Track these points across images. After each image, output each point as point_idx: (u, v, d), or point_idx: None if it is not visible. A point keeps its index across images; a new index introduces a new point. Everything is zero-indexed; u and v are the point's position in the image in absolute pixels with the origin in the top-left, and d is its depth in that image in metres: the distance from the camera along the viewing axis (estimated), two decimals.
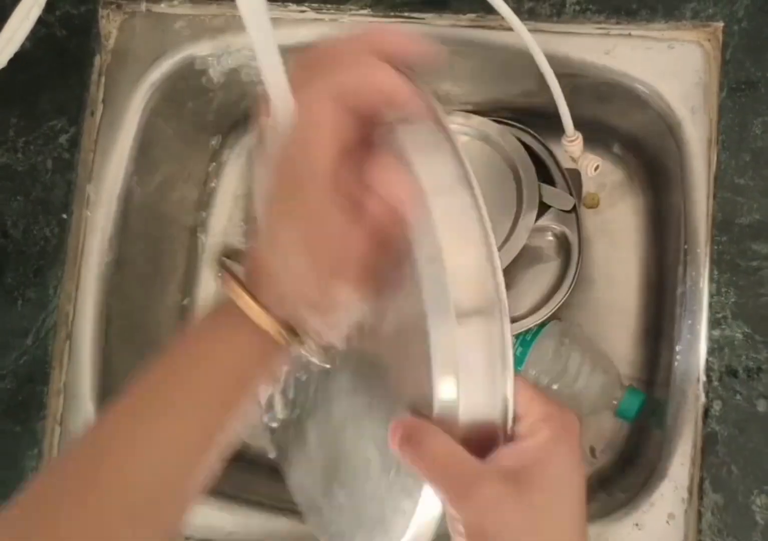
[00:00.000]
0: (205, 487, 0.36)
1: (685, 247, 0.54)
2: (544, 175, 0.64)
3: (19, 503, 0.33)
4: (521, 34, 0.50)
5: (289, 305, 0.36)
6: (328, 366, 0.40)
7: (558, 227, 0.63)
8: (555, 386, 0.58)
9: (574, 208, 0.62)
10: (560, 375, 0.58)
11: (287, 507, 0.57)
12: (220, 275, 0.37)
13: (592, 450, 0.63)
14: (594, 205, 0.67)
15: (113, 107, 0.60)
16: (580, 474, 0.33)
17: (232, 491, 0.58)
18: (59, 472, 0.35)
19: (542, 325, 0.60)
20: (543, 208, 0.63)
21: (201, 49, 0.61)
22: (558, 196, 0.62)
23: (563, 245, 0.64)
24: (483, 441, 0.32)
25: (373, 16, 0.59)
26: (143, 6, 0.61)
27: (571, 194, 0.62)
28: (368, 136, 0.34)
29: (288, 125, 0.33)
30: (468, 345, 0.32)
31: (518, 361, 0.60)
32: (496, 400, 0.32)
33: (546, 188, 0.62)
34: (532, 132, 0.65)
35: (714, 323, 0.53)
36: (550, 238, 0.65)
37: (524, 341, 0.60)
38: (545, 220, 0.63)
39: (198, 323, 0.39)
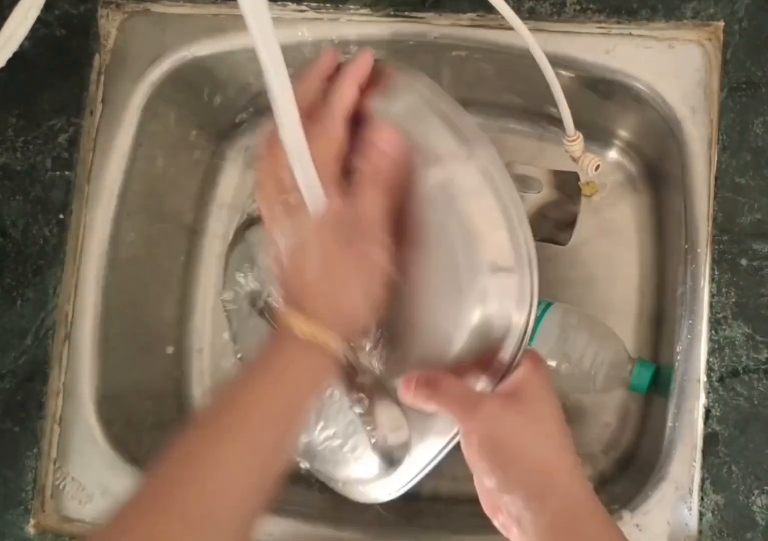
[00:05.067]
0: (272, 498, 0.39)
1: (686, 247, 0.54)
2: None
3: (117, 511, 0.37)
4: (521, 33, 0.49)
5: (344, 322, 0.42)
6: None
7: None
8: (565, 367, 0.58)
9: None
10: (569, 355, 0.58)
11: (288, 507, 0.57)
12: (269, 315, 0.43)
13: (591, 460, 0.63)
14: (593, 192, 0.67)
15: (112, 107, 0.60)
16: (553, 392, 0.43)
17: None
18: (154, 480, 0.38)
19: (545, 307, 0.60)
20: None
21: (200, 49, 0.61)
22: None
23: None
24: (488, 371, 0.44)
25: (372, 15, 0.59)
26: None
27: None
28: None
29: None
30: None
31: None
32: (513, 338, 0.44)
33: None
34: None
35: (715, 323, 0.53)
36: None
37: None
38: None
39: (266, 349, 0.42)
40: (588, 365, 0.58)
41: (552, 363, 0.58)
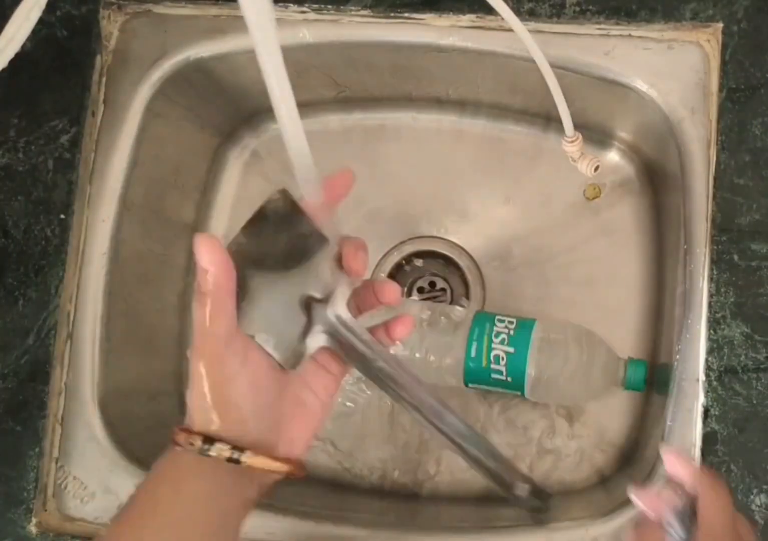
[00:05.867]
0: None
1: (685, 247, 0.54)
2: None
3: None
4: (521, 34, 0.50)
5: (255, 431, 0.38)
6: None
7: None
8: (560, 381, 0.58)
9: None
10: (562, 369, 0.58)
11: (288, 507, 0.57)
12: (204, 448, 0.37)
13: (590, 459, 0.63)
14: (595, 195, 0.67)
15: (114, 107, 0.61)
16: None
17: None
18: None
19: (530, 327, 0.60)
20: None
21: (202, 50, 0.61)
22: None
23: None
24: None
25: (373, 16, 0.59)
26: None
27: None
28: None
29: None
30: None
31: (522, 359, 0.59)
32: None
33: None
34: None
35: (713, 322, 0.53)
36: None
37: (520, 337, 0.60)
38: None
39: (168, 464, 0.39)
40: (582, 375, 0.58)
41: (546, 377, 0.58)
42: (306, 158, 0.36)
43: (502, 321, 0.60)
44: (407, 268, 0.69)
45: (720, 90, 0.55)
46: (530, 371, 0.58)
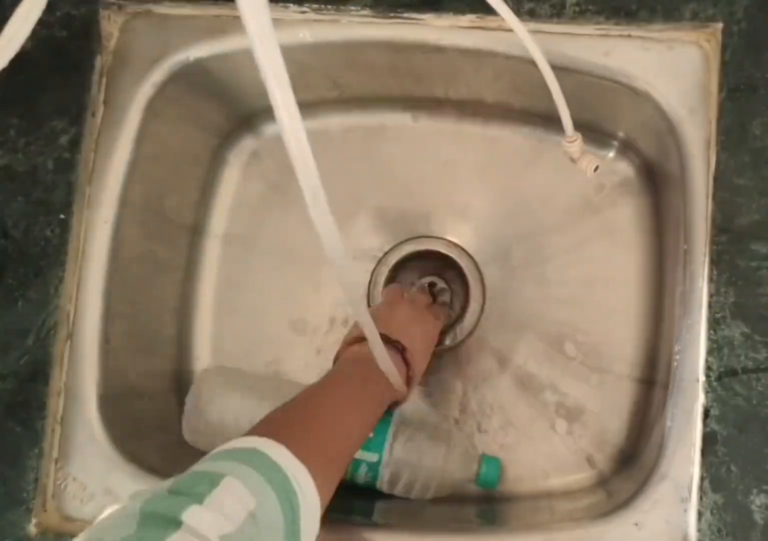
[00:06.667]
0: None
1: (685, 247, 0.54)
2: None
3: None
4: (521, 34, 0.50)
5: None
6: None
7: None
8: (420, 478, 0.58)
9: None
10: (420, 467, 0.57)
11: None
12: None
13: (590, 459, 0.63)
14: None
15: (114, 108, 0.61)
16: None
17: None
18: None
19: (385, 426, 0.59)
20: None
21: (202, 50, 0.61)
22: None
23: None
24: None
25: (373, 16, 0.59)
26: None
27: None
28: None
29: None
30: None
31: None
32: None
33: None
34: None
35: (713, 322, 0.53)
36: None
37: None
38: None
39: (353, 369, 0.53)
40: (440, 470, 0.58)
41: (405, 476, 0.58)
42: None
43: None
44: (407, 267, 0.69)
45: (720, 90, 0.55)
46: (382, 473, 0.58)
